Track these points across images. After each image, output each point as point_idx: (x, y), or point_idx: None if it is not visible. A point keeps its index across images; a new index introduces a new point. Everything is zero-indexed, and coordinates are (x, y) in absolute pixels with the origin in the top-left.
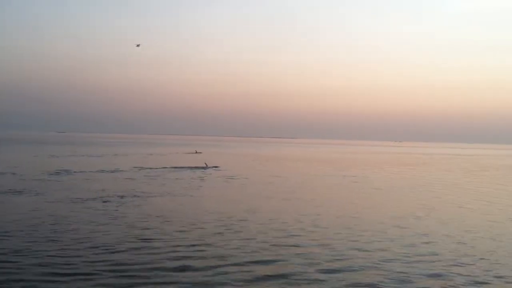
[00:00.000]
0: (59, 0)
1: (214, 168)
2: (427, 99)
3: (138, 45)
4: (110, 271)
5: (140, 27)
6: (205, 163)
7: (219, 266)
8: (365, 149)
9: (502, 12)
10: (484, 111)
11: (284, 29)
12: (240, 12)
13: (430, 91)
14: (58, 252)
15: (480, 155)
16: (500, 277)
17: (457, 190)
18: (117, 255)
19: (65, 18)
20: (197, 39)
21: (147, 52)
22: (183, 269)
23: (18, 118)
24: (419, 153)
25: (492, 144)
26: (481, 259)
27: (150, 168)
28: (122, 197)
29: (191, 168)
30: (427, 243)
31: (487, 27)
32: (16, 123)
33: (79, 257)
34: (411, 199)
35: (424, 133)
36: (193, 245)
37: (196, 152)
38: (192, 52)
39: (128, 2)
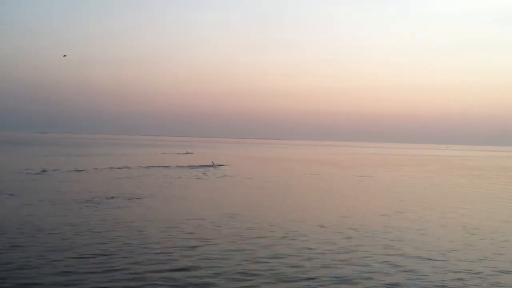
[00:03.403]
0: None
1: (220, 167)
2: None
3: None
4: None
5: (132, 27)
6: (212, 162)
7: None
8: (364, 151)
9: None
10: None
11: (276, 29)
12: (233, 13)
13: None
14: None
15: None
16: None
17: None
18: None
19: (55, 18)
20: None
21: (138, 52)
22: None
23: None
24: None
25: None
26: None
27: (151, 167)
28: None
29: (200, 166)
30: None
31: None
32: None
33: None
34: None
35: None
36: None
37: (188, 153)
38: (182, 53)
39: (119, 2)
